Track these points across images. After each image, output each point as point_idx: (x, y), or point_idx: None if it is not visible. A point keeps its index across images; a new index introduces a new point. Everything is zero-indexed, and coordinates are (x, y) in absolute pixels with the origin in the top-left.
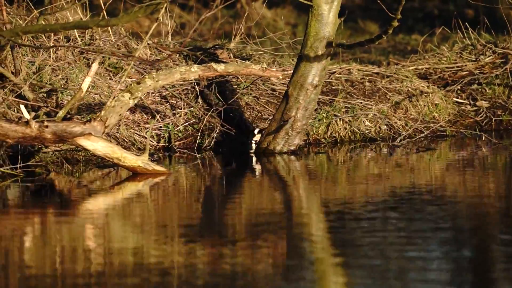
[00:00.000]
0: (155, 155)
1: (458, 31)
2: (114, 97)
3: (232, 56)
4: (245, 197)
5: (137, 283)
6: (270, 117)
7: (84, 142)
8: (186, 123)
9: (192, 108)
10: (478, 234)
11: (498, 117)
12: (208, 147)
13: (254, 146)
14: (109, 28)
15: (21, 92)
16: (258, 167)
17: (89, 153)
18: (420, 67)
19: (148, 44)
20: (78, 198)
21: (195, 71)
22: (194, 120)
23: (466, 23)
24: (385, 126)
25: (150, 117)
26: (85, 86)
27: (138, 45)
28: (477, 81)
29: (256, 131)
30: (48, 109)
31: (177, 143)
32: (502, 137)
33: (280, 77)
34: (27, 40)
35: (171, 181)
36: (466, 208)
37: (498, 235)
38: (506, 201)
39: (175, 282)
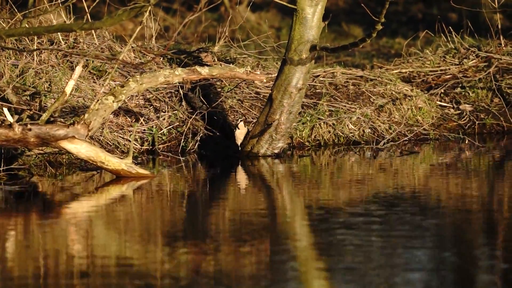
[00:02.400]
0: (139, 158)
1: (442, 34)
2: (98, 100)
3: (216, 59)
4: (228, 200)
5: (120, 286)
6: (254, 120)
7: (67, 145)
8: (170, 126)
9: (176, 111)
10: (461, 238)
11: (481, 121)
12: (192, 150)
13: (238, 134)
14: (93, 31)
15: (4, 95)
16: (241, 170)
17: (72, 156)
18: (403, 70)
19: (132, 47)
20: (61, 201)
21: (179, 74)
22: (178, 123)
23: (450, 27)
24: (369, 130)
25: (134, 120)
26: (68, 89)
27: (122, 48)
28: (460, 85)
29: (238, 123)
30: (31, 112)
31: (161, 146)
32: (485, 141)
33: (264, 80)
34: (11, 43)
35: (154, 184)
36: (449, 211)
37: (480, 237)
38: (488, 204)
39: (158, 286)
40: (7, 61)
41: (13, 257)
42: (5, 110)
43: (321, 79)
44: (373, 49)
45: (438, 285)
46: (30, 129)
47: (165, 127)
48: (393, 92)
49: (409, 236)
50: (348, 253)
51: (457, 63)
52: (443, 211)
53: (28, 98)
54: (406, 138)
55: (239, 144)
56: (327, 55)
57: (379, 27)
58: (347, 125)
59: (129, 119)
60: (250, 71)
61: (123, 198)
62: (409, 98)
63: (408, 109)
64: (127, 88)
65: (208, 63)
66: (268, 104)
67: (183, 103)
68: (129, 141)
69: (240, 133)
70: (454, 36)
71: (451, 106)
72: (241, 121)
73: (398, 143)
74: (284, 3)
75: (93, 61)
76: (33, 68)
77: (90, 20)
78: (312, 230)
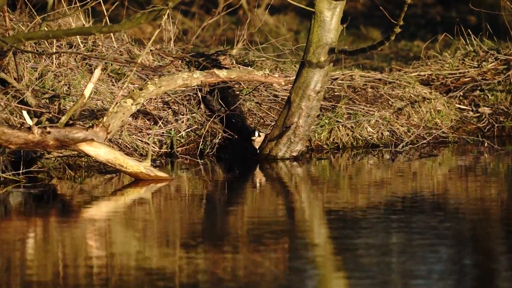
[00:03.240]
0: (157, 161)
1: (461, 37)
2: (117, 103)
3: (234, 62)
4: (247, 203)
5: None
6: (273, 123)
7: (86, 148)
8: (188, 129)
9: (194, 114)
10: (480, 244)
11: (501, 124)
12: (210, 153)
13: (256, 140)
14: (111, 34)
15: (23, 98)
16: (260, 173)
17: (91, 159)
18: (422, 73)
19: (151, 50)
20: (80, 204)
21: (197, 77)
22: (196, 126)
23: (469, 30)
24: (388, 132)
25: (152, 123)
26: (87, 92)
27: (140, 51)
28: (479, 88)
29: (256, 133)
30: (50, 115)
31: (179, 149)
32: (504, 144)
33: (283, 83)
34: (30, 46)
35: (173, 187)
36: (468, 216)
37: (500, 244)
38: (508, 209)
39: None
40: (26, 64)
41: (32, 259)
42: (25, 113)
43: (340, 82)
44: (391, 52)
45: None
46: (49, 132)
47: (184, 130)
48: (412, 95)
49: (428, 241)
50: (367, 258)
51: (476, 66)
52: (462, 215)
53: (47, 101)
54: (425, 141)
55: (257, 147)
56: (346, 58)
57: (398, 30)
58: (366, 128)
59: (148, 122)
60: (268, 74)
61: (142, 201)
62: (428, 101)
63: (427, 112)
64: (146, 91)
65: (227, 66)
66: (287, 107)
67: (202, 106)
68: (148, 144)
69: (258, 140)
70: (473, 39)
71: (470, 109)
72: (256, 132)
73: (416, 146)
74: (303, 6)
75: (111, 64)
76: (52, 71)
77: (108, 23)
78: (331, 234)
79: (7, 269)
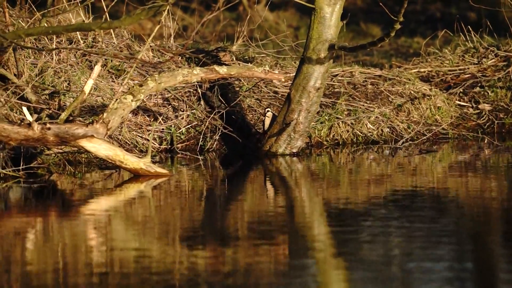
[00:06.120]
0: (157, 157)
1: (461, 34)
2: (117, 100)
3: (234, 59)
4: (246, 198)
5: (139, 284)
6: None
7: (86, 144)
8: (188, 125)
9: (194, 111)
10: (481, 238)
11: (500, 120)
12: (210, 149)
13: (266, 120)
14: (111, 30)
15: (23, 94)
16: (260, 169)
17: (91, 155)
18: (422, 70)
19: (151, 46)
20: (80, 199)
21: (197, 73)
22: (196, 123)
23: (469, 26)
24: (387, 129)
25: (152, 119)
26: (87, 88)
27: (140, 48)
28: (479, 84)
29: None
30: (50, 111)
31: (179, 145)
32: (504, 140)
33: (283, 80)
34: (30, 42)
35: (173, 182)
36: (467, 210)
37: (500, 238)
38: (508, 204)
39: (176, 284)
40: (26, 60)
41: (32, 254)
42: (25, 109)
43: (340, 78)
44: (391, 48)
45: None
46: (49, 128)
47: (184, 126)
48: (412, 92)
49: (428, 236)
50: (367, 252)
51: (476, 62)
52: (461, 210)
53: (47, 97)
54: (424, 138)
55: (266, 129)
56: (346, 55)
57: (398, 26)
58: (366, 125)
59: (148, 118)
60: (268, 71)
61: (142, 196)
62: (428, 97)
63: (426, 108)
64: (146, 87)
65: (227, 63)
66: (287, 103)
67: (202, 102)
68: (148, 140)
69: (267, 117)
70: (473, 35)
71: (470, 105)
72: (268, 110)
73: (416, 143)
74: (303, 3)
75: (111, 60)
76: (52, 67)
77: (108, 19)
78: (330, 230)
79: (7, 264)
